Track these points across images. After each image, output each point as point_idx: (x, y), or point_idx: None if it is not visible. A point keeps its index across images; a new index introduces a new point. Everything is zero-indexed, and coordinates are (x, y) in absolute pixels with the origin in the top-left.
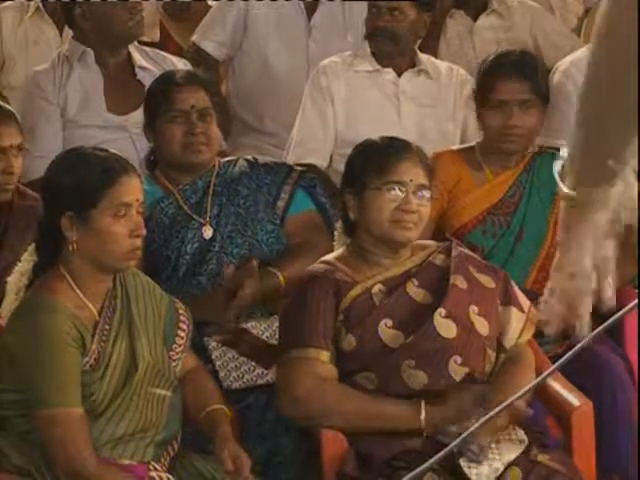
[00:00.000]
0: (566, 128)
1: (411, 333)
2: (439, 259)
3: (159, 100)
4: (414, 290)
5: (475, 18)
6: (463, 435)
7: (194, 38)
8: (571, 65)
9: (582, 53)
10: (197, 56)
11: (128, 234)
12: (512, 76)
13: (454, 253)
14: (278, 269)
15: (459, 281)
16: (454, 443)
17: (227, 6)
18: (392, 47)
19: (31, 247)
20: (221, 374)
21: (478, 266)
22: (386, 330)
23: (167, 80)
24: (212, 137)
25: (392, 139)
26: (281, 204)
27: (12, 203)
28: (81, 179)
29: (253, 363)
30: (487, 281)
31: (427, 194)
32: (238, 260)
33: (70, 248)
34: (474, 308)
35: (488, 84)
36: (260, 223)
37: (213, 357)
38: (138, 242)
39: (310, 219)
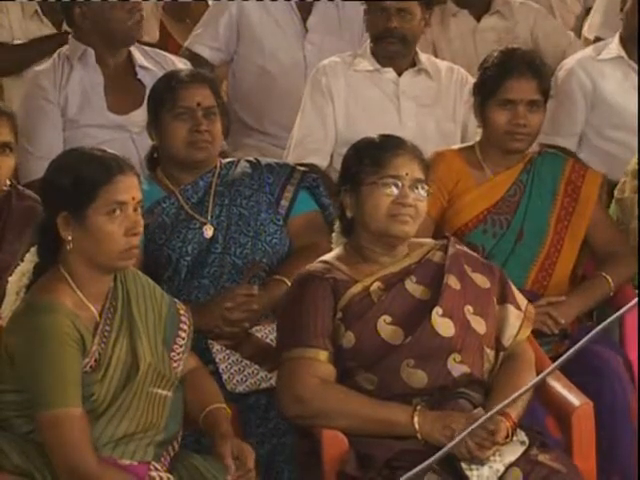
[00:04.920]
0: (569, 126)
1: (410, 329)
2: (437, 256)
3: (164, 97)
4: (412, 286)
5: (478, 18)
6: (461, 435)
7: (187, 43)
8: (576, 64)
9: (587, 52)
10: (192, 60)
11: (124, 233)
12: (522, 75)
13: (450, 251)
14: (283, 272)
15: (452, 281)
16: (452, 443)
17: (219, 12)
18: (401, 48)
19: (34, 248)
20: (224, 377)
21: (474, 265)
22: (385, 326)
23: (173, 78)
24: (216, 136)
25: (387, 136)
26: (284, 204)
27: (10, 203)
28: (77, 178)
29: (256, 366)
30: (482, 280)
31: (424, 189)
32: (241, 261)
33: (67, 248)
34: (469, 308)
35: (495, 81)
36: (263, 224)
37: (217, 360)
38: (134, 241)
39: (313, 220)
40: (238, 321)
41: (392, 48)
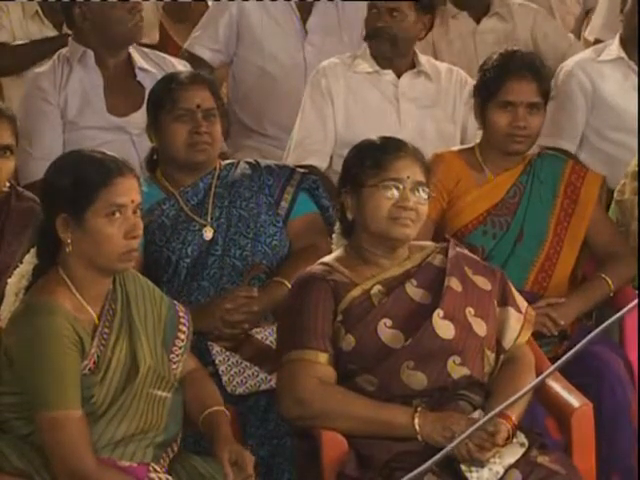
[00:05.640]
0: (571, 129)
1: (411, 333)
2: (438, 259)
3: (164, 99)
4: (413, 290)
5: (478, 20)
6: (461, 437)
7: (187, 45)
8: (576, 65)
9: (586, 54)
10: (191, 61)
11: (123, 235)
12: (522, 77)
13: (451, 254)
14: (283, 274)
15: (454, 283)
16: (451, 445)
17: (219, 13)
18: (391, 48)
19: (33, 249)
20: (224, 379)
21: (475, 267)
22: (385, 330)
23: (172, 80)
24: (216, 137)
25: (388, 138)
26: (284, 206)
27: (9, 205)
28: (76, 180)
29: (256, 368)
30: (483, 282)
31: (425, 192)
32: (241, 263)
33: (67, 250)
34: (470, 310)
35: (495, 83)
36: (263, 225)
37: (216, 362)
38: (134, 243)
39: (313, 222)
40: (238, 323)
41: (381, 48)
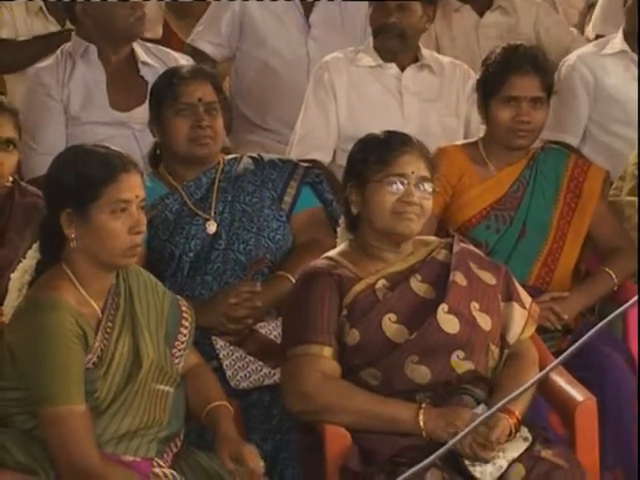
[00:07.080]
0: (574, 123)
1: (415, 327)
2: (442, 255)
3: (166, 93)
4: (417, 285)
5: (481, 14)
6: (464, 432)
7: (189, 40)
8: (578, 59)
9: (589, 48)
10: (194, 56)
11: (127, 231)
12: (525, 72)
13: (455, 249)
14: (287, 269)
15: (459, 278)
16: (454, 440)
17: (222, 9)
18: (400, 43)
19: (36, 244)
20: (228, 373)
21: (479, 262)
22: (390, 325)
23: (174, 74)
24: (218, 131)
25: (393, 133)
26: (287, 200)
27: (13, 200)
28: (80, 175)
29: (260, 363)
30: (488, 277)
31: (429, 187)
32: (245, 257)
33: (71, 245)
34: (475, 304)
35: (498, 78)
36: (266, 220)
37: (220, 356)
38: (138, 239)
39: (316, 216)
40: (242, 318)
41: (390, 43)
